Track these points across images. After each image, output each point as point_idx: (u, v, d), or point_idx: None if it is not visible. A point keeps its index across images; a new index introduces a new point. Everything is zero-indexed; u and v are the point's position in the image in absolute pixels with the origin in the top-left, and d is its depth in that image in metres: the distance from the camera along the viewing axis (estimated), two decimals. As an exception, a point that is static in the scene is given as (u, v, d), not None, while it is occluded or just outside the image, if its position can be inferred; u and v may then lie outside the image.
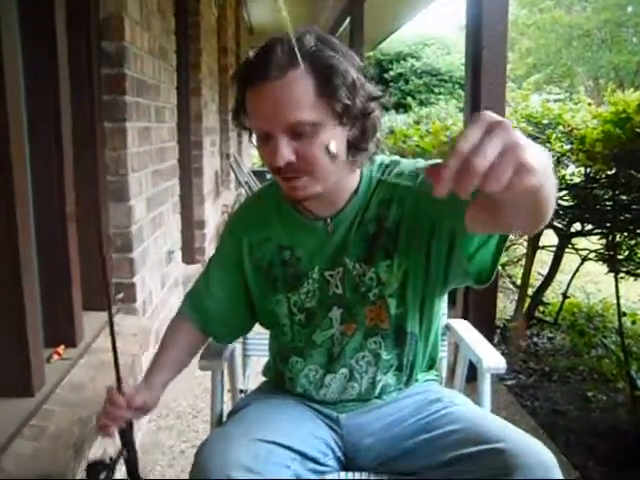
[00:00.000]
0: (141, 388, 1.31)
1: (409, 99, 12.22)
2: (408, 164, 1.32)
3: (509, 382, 3.09)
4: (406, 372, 1.39)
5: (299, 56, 1.10)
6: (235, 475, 1.11)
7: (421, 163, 1.31)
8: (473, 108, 2.81)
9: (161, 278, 3.05)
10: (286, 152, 1.13)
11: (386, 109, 1.28)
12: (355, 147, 1.21)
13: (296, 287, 1.34)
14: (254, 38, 12.33)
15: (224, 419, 1.51)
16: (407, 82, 13.46)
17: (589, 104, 3.71)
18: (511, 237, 3.78)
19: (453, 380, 1.68)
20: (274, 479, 1.15)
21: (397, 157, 1.35)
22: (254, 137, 1.22)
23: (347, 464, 1.38)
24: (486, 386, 1.44)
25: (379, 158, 1.34)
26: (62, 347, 2.00)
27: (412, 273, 1.28)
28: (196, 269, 4.34)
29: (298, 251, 1.34)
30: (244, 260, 1.40)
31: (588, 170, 3.16)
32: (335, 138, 1.16)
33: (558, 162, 3.14)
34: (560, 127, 3.42)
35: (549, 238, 3.94)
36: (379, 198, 1.30)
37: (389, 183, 1.29)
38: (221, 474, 1.11)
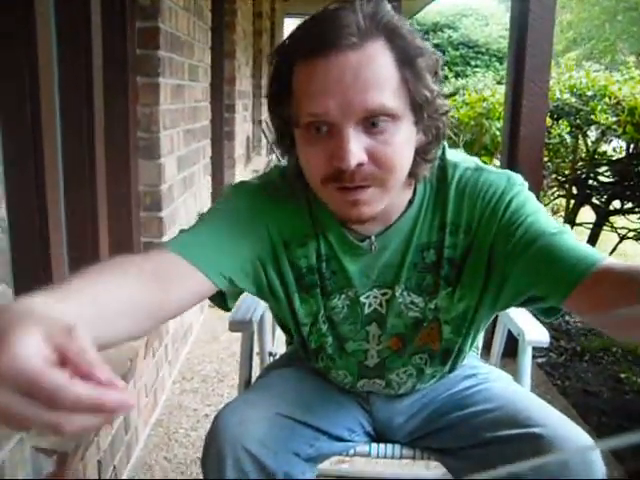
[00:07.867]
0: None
1: (445, 70, 12.00)
2: (488, 183, 1.02)
3: (539, 360, 3.02)
4: (447, 375, 1.29)
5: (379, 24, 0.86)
6: (249, 446, 1.06)
7: (511, 190, 1.01)
8: (516, 78, 2.68)
9: (190, 240, 3.02)
10: (358, 149, 0.86)
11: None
12: (421, 156, 0.97)
13: (328, 298, 1.13)
14: (289, 4, 12.11)
15: (252, 382, 1.46)
16: (443, 53, 12.92)
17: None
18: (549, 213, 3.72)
19: (489, 353, 1.61)
20: (280, 468, 1.09)
21: (464, 163, 1.06)
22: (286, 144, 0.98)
23: (377, 438, 1.33)
24: (526, 361, 1.36)
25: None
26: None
27: (471, 305, 1.11)
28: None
29: (334, 264, 1.10)
30: (277, 251, 1.07)
31: (632, 146, 3.04)
32: (410, 140, 0.92)
33: (603, 135, 3.03)
34: (606, 99, 3.30)
35: (587, 215, 3.83)
36: (440, 220, 1.05)
37: (456, 205, 1.04)
38: (236, 442, 1.07)
